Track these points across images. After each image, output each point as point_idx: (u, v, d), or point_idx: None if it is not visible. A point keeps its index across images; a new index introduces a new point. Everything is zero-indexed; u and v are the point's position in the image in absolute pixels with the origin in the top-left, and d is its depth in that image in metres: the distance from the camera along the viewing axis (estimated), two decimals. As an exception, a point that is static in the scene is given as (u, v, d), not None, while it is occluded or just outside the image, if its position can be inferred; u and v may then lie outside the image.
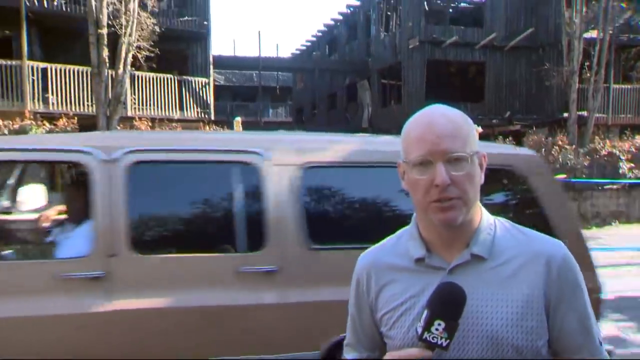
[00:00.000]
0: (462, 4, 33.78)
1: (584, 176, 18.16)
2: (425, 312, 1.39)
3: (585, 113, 21.96)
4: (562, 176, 18.48)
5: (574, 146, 18.93)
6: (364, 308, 1.63)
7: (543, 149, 17.94)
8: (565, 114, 22.26)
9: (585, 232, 15.60)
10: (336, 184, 3.90)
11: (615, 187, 18.36)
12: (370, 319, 1.62)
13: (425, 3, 28.98)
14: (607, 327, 6.57)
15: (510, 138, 19.00)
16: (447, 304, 1.39)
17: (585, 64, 21.56)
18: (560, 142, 18.47)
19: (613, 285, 8.62)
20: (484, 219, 1.53)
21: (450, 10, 33.10)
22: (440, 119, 1.46)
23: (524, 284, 1.46)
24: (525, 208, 4.07)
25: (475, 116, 25.59)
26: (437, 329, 1.37)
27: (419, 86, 27.47)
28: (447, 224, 1.45)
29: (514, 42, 27.36)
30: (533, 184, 3.87)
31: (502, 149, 4.46)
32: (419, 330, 1.39)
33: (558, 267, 1.47)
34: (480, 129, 18.69)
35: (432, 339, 1.37)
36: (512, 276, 1.47)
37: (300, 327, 3.53)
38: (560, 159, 17.90)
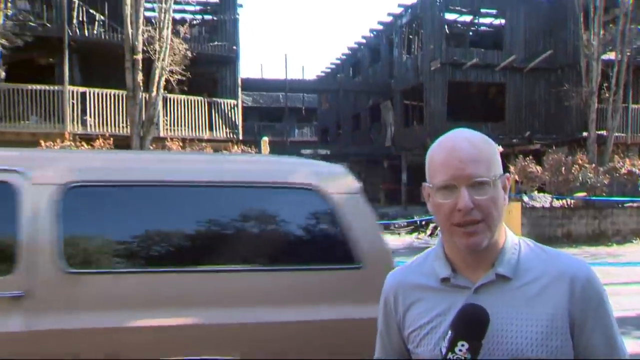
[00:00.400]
0: (482, 28, 33.81)
1: (604, 194, 17.91)
2: (449, 332, 1.39)
3: (604, 132, 21.71)
4: (582, 194, 18.24)
5: (593, 165, 18.69)
6: (392, 326, 1.63)
7: (563, 168, 17.74)
8: (585, 133, 22.04)
9: (606, 250, 15.28)
10: (106, 205, 3.54)
11: (635, 205, 18.06)
12: (399, 336, 1.62)
13: (446, 27, 29.05)
14: (630, 345, 6.43)
15: (531, 157, 18.83)
16: (471, 325, 1.39)
17: (604, 84, 21.38)
18: (580, 161, 18.26)
19: (635, 302, 8.47)
20: (509, 239, 1.52)
21: (471, 33, 33.18)
22: (464, 144, 1.46)
23: (548, 304, 1.44)
24: (326, 229, 3.70)
25: (496, 136, 25.44)
26: (460, 350, 1.36)
27: (440, 107, 27.43)
28: (471, 249, 1.44)
29: (533, 63, 27.24)
30: (335, 203, 3.52)
31: (300, 166, 3.99)
32: (444, 350, 1.39)
33: (582, 286, 1.45)
34: (500, 149, 18.57)
35: (456, 359, 1.37)
36: (536, 296, 1.45)
37: (50, 355, 3.11)
38: (580, 178, 17.68)
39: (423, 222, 21.00)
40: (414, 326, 1.56)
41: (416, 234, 20.35)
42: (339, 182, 3.70)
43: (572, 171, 17.81)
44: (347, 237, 3.47)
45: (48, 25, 19.52)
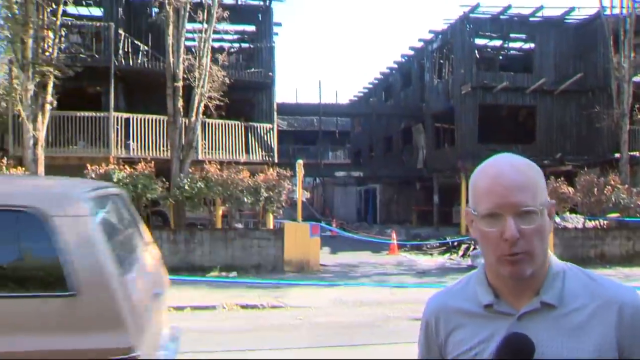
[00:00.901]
0: (512, 52, 33.57)
1: (637, 215, 17.42)
2: None
3: (637, 153, 21.24)
4: (615, 215, 17.79)
5: (626, 185, 18.23)
6: (433, 350, 1.58)
7: (595, 189, 17.35)
8: (617, 155, 21.55)
9: (640, 271, 14.67)
10: None
11: (670, 226, 17.53)
12: None
13: (476, 51, 28.93)
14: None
15: (562, 178, 18.48)
16: (515, 355, 1.33)
17: (635, 106, 20.95)
18: (612, 182, 17.82)
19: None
20: (553, 265, 1.46)
21: (501, 57, 32.97)
22: (509, 170, 1.39)
23: (595, 332, 1.37)
24: (41, 253, 3.39)
25: (527, 157, 25.05)
26: None
27: (471, 129, 27.23)
28: (515, 278, 1.39)
29: (563, 86, 26.88)
30: (53, 226, 3.18)
31: (24, 187, 3.65)
32: None
33: (631, 314, 1.38)
34: (532, 170, 18.25)
35: None
36: (583, 324, 1.38)
37: None
38: (613, 198, 17.25)
39: (455, 243, 20.74)
40: (456, 352, 1.50)
41: (448, 254, 20.09)
42: (63, 204, 3.35)
43: (605, 192, 17.40)
44: (63, 263, 3.14)
45: (96, 56, 20.11)
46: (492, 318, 1.45)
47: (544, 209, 1.39)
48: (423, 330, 1.62)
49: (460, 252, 19.64)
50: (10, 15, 16.06)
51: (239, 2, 23.33)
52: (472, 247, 19.11)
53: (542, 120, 27.86)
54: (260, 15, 24.13)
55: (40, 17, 16.62)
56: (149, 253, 4.78)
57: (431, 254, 20.41)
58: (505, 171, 1.39)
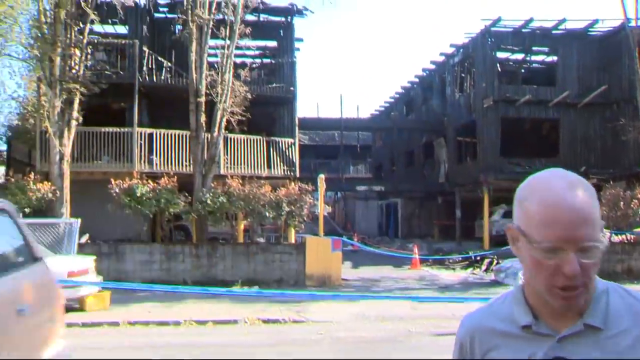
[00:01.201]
0: (534, 64, 33.35)
1: (665, 229, 17.09)
2: None
3: (664, 167, 20.85)
4: (641, 229, 17.48)
5: (653, 199, 17.90)
6: None
7: (622, 202, 17.08)
8: (643, 168, 21.21)
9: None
10: None
11: (699, 240, 17.15)
12: None
13: (498, 65, 28.81)
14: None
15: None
16: None
17: (662, 118, 20.64)
18: (639, 196, 17.52)
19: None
20: (598, 286, 1.37)
21: (523, 70, 32.76)
22: (571, 199, 1.27)
23: None
24: None
25: (551, 171, 24.79)
26: None
27: (493, 143, 27.04)
28: (567, 309, 1.32)
29: (587, 99, 26.59)
30: None
31: None
32: None
33: None
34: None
35: None
36: (629, 348, 1.30)
37: None
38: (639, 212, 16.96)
39: (478, 258, 20.54)
40: None
41: (471, 269, 19.90)
42: None
43: (631, 206, 17.12)
44: None
45: (121, 72, 20.45)
46: (530, 339, 1.38)
47: (604, 236, 1.30)
48: (457, 350, 1.55)
49: (483, 267, 19.43)
50: (40, 35, 16.45)
51: (261, 19, 23.56)
52: (495, 261, 18.90)
53: (565, 133, 27.57)
54: (281, 31, 24.35)
55: (68, 35, 17.00)
56: (34, 269, 4.62)
57: (453, 269, 20.23)
58: (567, 199, 1.27)
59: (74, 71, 17.45)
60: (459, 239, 28.29)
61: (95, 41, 21.45)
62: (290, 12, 23.58)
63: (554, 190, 1.30)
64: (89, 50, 19.59)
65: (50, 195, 16.23)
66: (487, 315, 1.49)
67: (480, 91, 27.76)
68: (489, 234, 26.11)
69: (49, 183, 16.46)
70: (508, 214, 27.53)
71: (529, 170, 26.34)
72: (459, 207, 29.13)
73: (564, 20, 27.11)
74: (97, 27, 22.05)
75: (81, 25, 17.55)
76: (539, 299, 1.37)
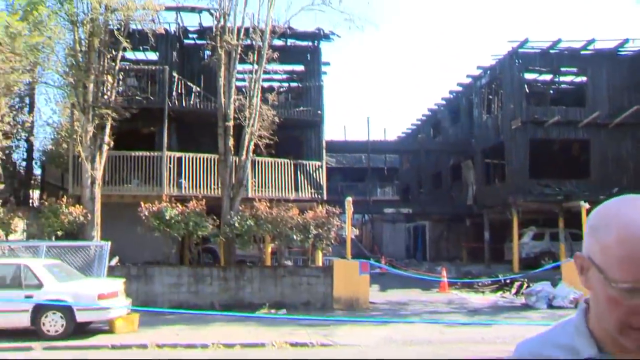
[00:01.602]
0: (563, 85, 33.05)
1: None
2: None
3: (699, 188, 20.33)
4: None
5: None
6: None
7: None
8: (678, 189, 20.72)
9: None
10: None
11: None
12: None
13: (526, 86, 28.61)
14: None
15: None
16: None
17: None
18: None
19: None
20: None
21: (551, 91, 32.49)
22: None
23: None
24: None
25: (581, 192, 24.40)
26: None
27: (522, 164, 26.76)
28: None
29: (618, 119, 26.21)
30: None
31: None
32: None
33: None
34: (587, 206, 17.76)
35: None
36: None
37: None
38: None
39: (508, 281, 20.20)
40: None
41: (500, 292, 19.57)
42: None
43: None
44: None
45: (151, 98, 20.83)
46: None
47: None
48: None
49: (513, 290, 19.10)
50: (74, 62, 16.93)
51: (288, 43, 23.85)
52: (525, 284, 18.58)
53: (596, 154, 27.16)
54: (309, 55, 24.59)
55: (101, 63, 17.46)
56: None
57: (483, 292, 19.92)
58: None
59: (106, 97, 17.89)
60: (487, 262, 27.90)
61: (127, 67, 21.94)
62: (317, 36, 23.83)
63: (636, 224, 1.17)
64: (121, 77, 20.06)
65: (82, 218, 16.54)
66: (544, 344, 1.38)
67: (508, 113, 27.59)
68: (518, 256, 25.70)
69: (81, 206, 16.78)
70: (538, 236, 27.12)
71: (559, 192, 25.99)
72: (487, 229, 28.77)
73: (592, 41, 26.87)
74: (129, 54, 22.59)
75: (114, 52, 18.03)
76: (604, 330, 1.28)
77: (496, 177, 30.20)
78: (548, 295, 16.18)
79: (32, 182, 26.36)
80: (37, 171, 27.42)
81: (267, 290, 16.29)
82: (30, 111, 24.78)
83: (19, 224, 18.09)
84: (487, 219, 28.91)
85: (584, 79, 29.11)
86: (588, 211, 17.84)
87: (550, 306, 15.85)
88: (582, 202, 17.98)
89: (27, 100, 24.63)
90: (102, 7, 16.74)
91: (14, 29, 15.99)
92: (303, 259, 21.46)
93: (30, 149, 25.47)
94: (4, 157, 20.53)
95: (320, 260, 19.84)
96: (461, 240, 33.08)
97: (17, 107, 23.52)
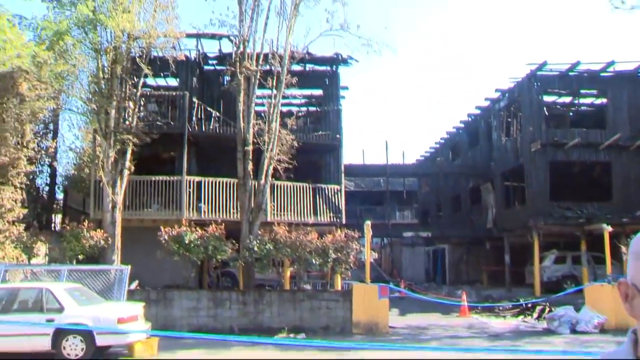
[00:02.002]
0: (583, 107, 32.82)
1: None
2: None
3: None
4: None
5: None
6: None
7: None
8: (703, 212, 20.33)
9: None
10: None
11: None
12: None
13: (545, 108, 28.47)
14: None
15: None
16: None
17: None
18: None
19: None
20: None
21: (571, 113, 32.26)
22: None
23: None
24: None
25: (603, 215, 24.04)
26: None
27: (542, 187, 26.50)
28: None
29: (640, 141, 25.92)
30: None
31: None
32: None
33: None
34: (610, 229, 17.48)
35: None
36: None
37: None
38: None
39: (529, 305, 19.87)
40: None
41: (522, 317, 19.24)
42: None
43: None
44: None
45: (171, 123, 21.08)
46: None
47: None
48: None
49: (535, 315, 18.77)
50: (97, 89, 17.26)
51: (307, 68, 24.06)
52: (547, 309, 18.26)
53: (618, 176, 26.81)
54: (327, 80, 24.75)
55: (123, 89, 17.78)
56: None
57: (504, 316, 19.61)
58: None
59: (127, 123, 18.17)
60: (508, 286, 27.51)
61: (148, 93, 22.26)
62: (336, 61, 24.01)
63: None
64: (142, 102, 20.36)
65: (102, 242, 16.69)
66: None
67: (527, 135, 27.43)
68: (540, 280, 25.32)
69: (102, 230, 16.94)
70: (559, 260, 26.71)
71: (581, 214, 25.64)
72: (508, 252, 28.42)
73: (612, 63, 26.72)
74: (150, 80, 22.95)
75: (135, 79, 18.35)
76: None
77: (516, 200, 29.92)
78: (571, 319, 15.86)
79: (55, 206, 26.71)
80: (60, 196, 27.82)
81: (286, 314, 16.21)
82: (54, 137, 25.22)
83: (42, 247, 18.30)
84: (507, 242, 28.58)
85: (604, 100, 28.90)
86: (611, 234, 17.58)
87: (574, 331, 15.53)
88: (604, 225, 17.70)
89: (51, 126, 25.08)
90: (125, 35, 17.08)
91: (40, 59, 16.39)
92: (322, 283, 21.35)
93: (53, 174, 25.87)
94: (28, 182, 20.85)
95: (339, 284, 19.72)
96: (481, 263, 32.71)
97: (41, 133, 23.97)
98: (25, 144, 20.09)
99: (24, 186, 20.03)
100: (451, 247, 34.92)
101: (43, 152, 23.53)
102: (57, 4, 16.92)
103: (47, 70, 16.69)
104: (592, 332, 15.24)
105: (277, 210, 20.69)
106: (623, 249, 17.34)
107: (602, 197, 26.86)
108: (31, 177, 22.22)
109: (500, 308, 20.68)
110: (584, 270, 24.78)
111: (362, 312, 15.80)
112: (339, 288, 19.38)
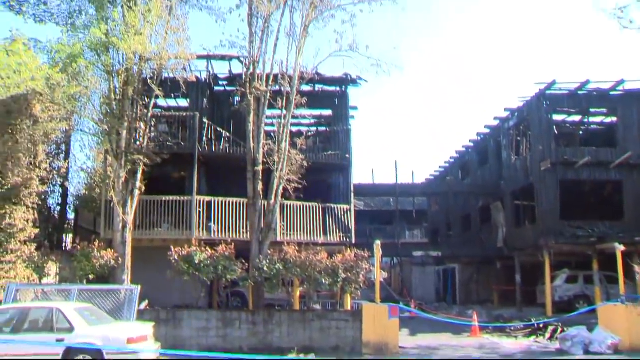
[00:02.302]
0: (593, 126, 32.72)
1: None
2: None
3: None
4: None
5: None
6: None
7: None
8: None
9: None
10: None
11: None
12: None
13: (555, 127, 28.40)
14: None
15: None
16: None
17: None
18: None
19: None
20: None
21: (581, 132, 32.18)
22: None
23: None
24: None
25: (616, 234, 23.83)
26: None
27: (553, 206, 26.34)
28: None
29: (651, 159, 25.76)
30: None
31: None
32: None
33: None
34: (622, 247, 17.30)
35: None
36: None
37: None
38: None
39: (541, 325, 19.61)
40: None
41: (534, 337, 18.99)
42: None
43: None
44: None
45: (182, 143, 21.18)
46: None
47: None
48: None
49: (547, 335, 18.52)
50: (109, 110, 17.42)
51: (316, 89, 24.19)
52: (559, 329, 18.01)
53: (629, 195, 26.62)
54: (336, 100, 24.86)
55: (134, 110, 17.93)
56: None
57: (515, 337, 19.36)
58: None
59: (138, 143, 18.28)
60: (519, 305, 27.22)
61: (159, 114, 22.43)
62: (345, 82, 24.13)
63: None
64: (153, 123, 20.52)
65: (113, 262, 16.71)
66: None
67: (537, 154, 27.34)
68: (551, 299, 25.03)
69: (112, 250, 16.97)
70: (571, 279, 26.43)
71: (592, 233, 25.41)
72: (518, 272, 28.16)
73: (622, 82, 26.67)
74: (161, 101, 23.15)
75: (146, 100, 18.51)
76: None
77: (526, 219, 29.73)
78: (584, 340, 15.62)
79: (66, 226, 26.81)
80: (71, 215, 27.92)
81: (295, 334, 16.10)
82: (66, 158, 25.41)
83: (53, 267, 18.35)
84: (518, 262, 28.33)
85: (614, 119, 28.81)
86: (623, 253, 17.38)
87: (587, 352, 15.29)
88: (617, 244, 17.51)
89: (63, 147, 25.28)
90: (137, 57, 17.26)
91: (54, 81, 16.58)
92: (332, 303, 21.22)
93: (64, 194, 26.00)
94: (40, 202, 20.98)
95: (349, 304, 19.57)
96: (491, 283, 32.42)
97: (53, 154, 24.16)
98: (37, 165, 20.26)
99: (35, 206, 20.16)
100: (461, 266, 34.67)
101: (55, 172, 23.70)
102: (71, 27, 17.16)
103: (60, 92, 16.87)
104: (606, 353, 15.00)
105: (286, 230, 20.66)
106: (636, 268, 17.14)
107: (613, 216, 26.64)
108: (43, 197, 22.35)
109: (512, 328, 20.44)
110: (596, 290, 24.50)
111: (372, 332, 15.67)
112: (349, 308, 19.23)
